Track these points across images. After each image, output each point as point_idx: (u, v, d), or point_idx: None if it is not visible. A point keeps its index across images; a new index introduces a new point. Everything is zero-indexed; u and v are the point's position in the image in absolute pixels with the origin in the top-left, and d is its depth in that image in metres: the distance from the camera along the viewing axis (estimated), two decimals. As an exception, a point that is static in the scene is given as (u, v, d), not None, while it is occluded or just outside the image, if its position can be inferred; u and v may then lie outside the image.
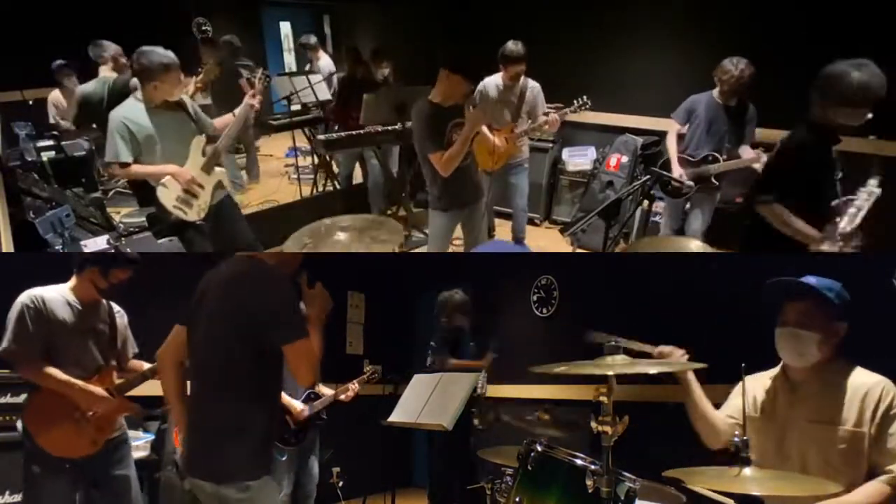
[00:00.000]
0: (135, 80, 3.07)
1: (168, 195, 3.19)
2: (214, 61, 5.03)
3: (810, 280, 1.68)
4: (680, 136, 4.13)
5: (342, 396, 3.41)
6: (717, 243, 4.63)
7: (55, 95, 6.09)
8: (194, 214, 3.28)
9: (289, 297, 1.69)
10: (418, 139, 3.24)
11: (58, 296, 2.18)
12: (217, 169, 3.34)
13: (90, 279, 2.22)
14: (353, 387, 3.45)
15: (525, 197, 4.86)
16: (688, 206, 4.25)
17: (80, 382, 2.16)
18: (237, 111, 3.36)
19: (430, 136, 3.16)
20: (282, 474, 3.25)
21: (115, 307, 2.38)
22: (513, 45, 4.16)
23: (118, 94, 3.79)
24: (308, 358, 1.68)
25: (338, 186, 6.12)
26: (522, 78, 4.33)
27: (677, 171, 3.99)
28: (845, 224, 2.20)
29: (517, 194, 4.78)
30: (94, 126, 4.68)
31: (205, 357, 1.77)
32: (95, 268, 2.21)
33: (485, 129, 4.41)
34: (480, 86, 4.45)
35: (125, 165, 3.10)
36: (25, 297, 2.12)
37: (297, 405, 3.28)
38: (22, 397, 2.73)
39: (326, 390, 3.47)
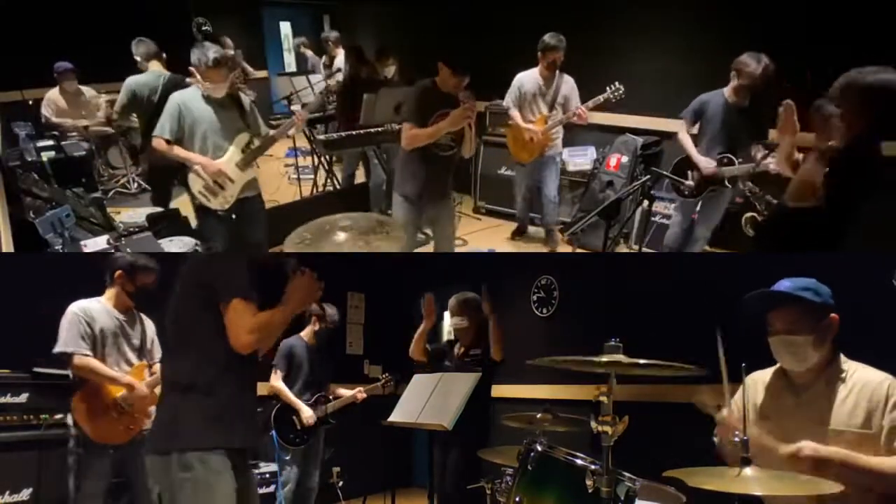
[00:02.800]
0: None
1: (196, 181, 3.39)
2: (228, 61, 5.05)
3: (784, 284, 1.68)
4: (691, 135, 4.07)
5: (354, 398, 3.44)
6: (719, 243, 4.66)
7: (52, 96, 6.09)
8: (217, 204, 3.45)
9: (233, 261, 1.74)
10: (405, 107, 3.38)
11: (99, 306, 2.56)
12: (252, 169, 3.53)
13: (121, 285, 2.58)
14: (363, 395, 3.48)
15: (554, 188, 5.01)
16: (698, 206, 4.23)
17: (123, 375, 2.54)
18: (284, 126, 3.67)
19: (415, 107, 3.29)
20: (287, 471, 3.28)
21: (145, 318, 2.71)
22: (549, 36, 4.41)
23: (171, 88, 3.96)
24: (241, 321, 1.64)
25: (338, 186, 6.12)
26: (558, 73, 4.53)
27: (703, 162, 3.89)
28: None
29: (547, 185, 4.94)
30: (135, 116, 4.79)
31: (167, 330, 1.82)
32: (122, 272, 2.57)
33: (521, 121, 4.68)
34: (517, 80, 4.67)
35: (168, 143, 3.32)
36: (75, 307, 2.49)
37: (306, 412, 3.28)
38: (23, 397, 2.77)
39: (341, 391, 3.50)
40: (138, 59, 4.58)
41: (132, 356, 2.62)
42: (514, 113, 4.72)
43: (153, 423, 1.80)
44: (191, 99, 3.33)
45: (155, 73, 4.52)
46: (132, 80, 4.47)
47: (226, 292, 1.67)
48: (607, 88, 4.29)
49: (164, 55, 4.68)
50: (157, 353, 2.70)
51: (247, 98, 3.54)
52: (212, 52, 3.21)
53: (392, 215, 3.67)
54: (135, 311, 2.68)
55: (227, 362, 1.71)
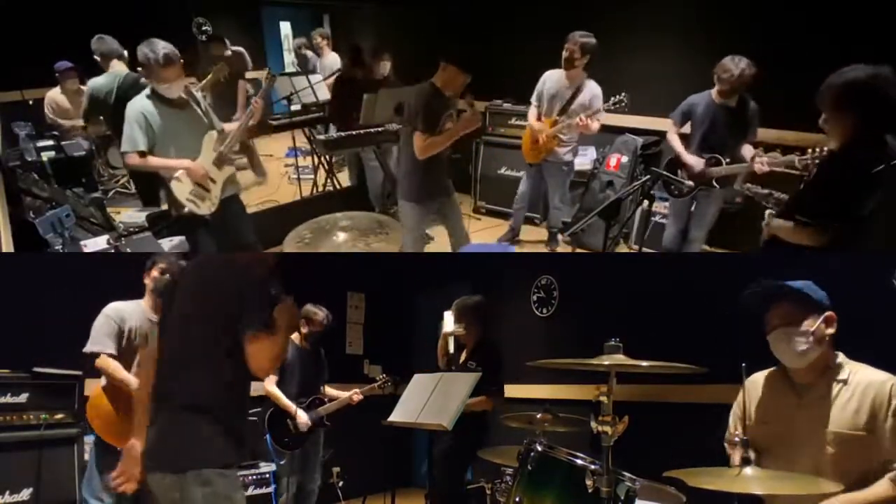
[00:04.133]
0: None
1: (182, 189, 3.22)
2: (224, 61, 5.00)
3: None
4: (682, 136, 4.09)
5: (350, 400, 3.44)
6: (718, 243, 4.66)
7: (53, 95, 6.09)
8: (206, 208, 3.32)
9: (257, 288, 1.72)
10: (411, 114, 3.35)
11: (134, 307, 2.62)
12: (228, 166, 3.39)
13: (148, 283, 2.62)
14: (358, 396, 3.47)
15: (558, 196, 4.91)
16: (693, 206, 4.24)
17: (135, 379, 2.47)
18: (245, 116, 3.42)
19: (423, 114, 3.27)
20: (283, 476, 3.26)
21: None
22: (575, 33, 4.31)
23: (127, 89, 3.79)
24: (268, 351, 1.67)
25: (338, 186, 6.13)
26: (584, 79, 4.43)
27: (692, 161, 3.93)
28: None
29: (550, 191, 4.89)
30: (101, 118, 4.70)
31: (176, 342, 1.78)
32: (146, 272, 2.63)
33: (533, 120, 4.58)
34: (543, 77, 4.59)
35: (143, 155, 3.13)
36: (108, 307, 2.57)
37: (302, 416, 3.27)
38: (23, 397, 2.77)
39: (335, 392, 3.49)
40: (97, 57, 4.42)
41: None
42: (531, 111, 4.66)
43: (155, 439, 1.72)
44: (149, 105, 3.12)
45: (113, 73, 4.36)
46: (91, 83, 4.35)
47: (252, 324, 1.67)
48: (610, 98, 4.21)
49: (125, 54, 4.48)
50: None
51: (198, 94, 3.39)
52: (161, 47, 3.00)
53: (400, 220, 3.69)
54: None
55: (237, 380, 1.73)
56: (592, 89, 4.44)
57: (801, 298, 1.65)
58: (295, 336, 3.41)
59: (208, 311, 1.73)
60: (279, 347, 1.71)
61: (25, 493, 2.67)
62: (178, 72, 3.09)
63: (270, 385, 3.27)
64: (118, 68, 4.44)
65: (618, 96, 4.18)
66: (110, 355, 2.51)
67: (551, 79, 4.55)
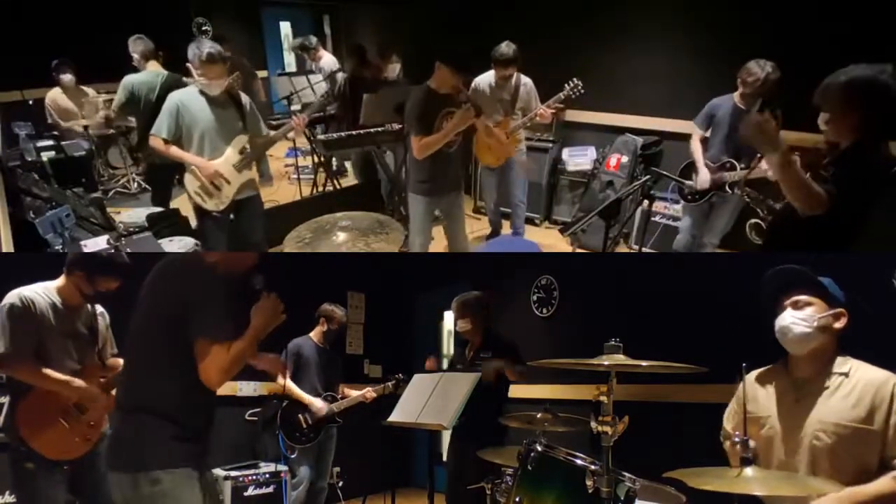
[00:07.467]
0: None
1: (192, 182, 3.41)
2: (234, 66, 5.01)
3: None
4: (704, 140, 4.06)
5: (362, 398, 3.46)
6: (720, 244, 4.65)
7: (53, 95, 6.10)
8: (212, 205, 3.45)
9: (208, 294, 1.67)
10: (407, 119, 3.44)
11: (44, 296, 2.15)
12: (248, 170, 3.53)
13: (76, 283, 2.20)
14: (372, 394, 3.49)
15: (521, 192, 4.95)
16: (709, 212, 4.21)
17: (76, 380, 2.15)
18: (283, 129, 3.71)
19: (417, 118, 3.34)
20: (295, 472, 3.29)
21: (99, 308, 2.36)
22: (504, 48, 4.26)
23: (168, 88, 3.91)
24: (213, 361, 1.63)
25: (338, 186, 6.12)
26: (515, 75, 4.43)
27: (704, 175, 3.92)
28: None
29: (514, 187, 4.90)
30: (132, 118, 4.82)
31: (133, 344, 1.80)
32: (83, 272, 2.18)
33: (483, 127, 4.49)
34: (474, 83, 4.57)
35: (165, 143, 3.31)
36: (14, 297, 2.09)
37: (316, 402, 3.31)
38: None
39: (349, 391, 3.51)
40: (135, 56, 4.58)
41: (75, 355, 2.22)
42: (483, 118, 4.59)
43: (112, 440, 1.75)
44: (190, 98, 3.31)
45: (153, 72, 4.53)
46: (130, 79, 4.48)
47: (201, 333, 1.64)
48: (566, 86, 4.23)
49: (161, 54, 4.68)
50: (111, 349, 2.41)
51: (246, 98, 3.54)
52: (206, 46, 3.19)
53: (409, 211, 3.79)
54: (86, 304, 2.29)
55: (194, 387, 1.69)
56: (526, 83, 4.50)
57: (817, 288, 1.68)
58: (315, 333, 3.46)
59: (159, 313, 1.72)
60: (231, 359, 1.66)
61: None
62: (219, 71, 3.25)
63: (286, 380, 3.31)
64: (155, 68, 4.57)
65: (572, 82, 4.19)
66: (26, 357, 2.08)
67: (485, 84, 4.52)
